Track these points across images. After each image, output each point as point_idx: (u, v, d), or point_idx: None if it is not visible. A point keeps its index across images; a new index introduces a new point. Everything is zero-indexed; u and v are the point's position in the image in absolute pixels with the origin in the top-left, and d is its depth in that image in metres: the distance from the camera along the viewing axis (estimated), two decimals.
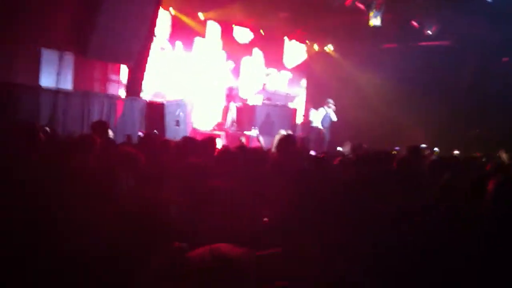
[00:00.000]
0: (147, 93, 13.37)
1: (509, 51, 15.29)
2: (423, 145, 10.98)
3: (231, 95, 15.67)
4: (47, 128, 7.58)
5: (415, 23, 14.36)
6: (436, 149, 13.51)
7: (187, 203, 2.94)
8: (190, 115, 13.48)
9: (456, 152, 11.83)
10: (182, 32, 15.24)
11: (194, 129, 13.98)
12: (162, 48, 14.58)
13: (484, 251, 2.93)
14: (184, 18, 15.18)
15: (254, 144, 12.47)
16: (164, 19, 14.24)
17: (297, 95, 18.30)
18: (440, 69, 15.69)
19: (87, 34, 10.61)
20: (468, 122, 15.68)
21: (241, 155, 4.65)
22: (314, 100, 17.80)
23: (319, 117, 16.01)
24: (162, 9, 13.52)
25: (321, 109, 16.04)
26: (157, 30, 12.76)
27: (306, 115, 16.87)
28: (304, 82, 19.29)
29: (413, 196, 4.07)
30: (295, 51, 18.45)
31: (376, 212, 3.15)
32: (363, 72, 17.30)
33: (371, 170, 4.96)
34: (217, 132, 14.34)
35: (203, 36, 15.88)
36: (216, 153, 5.06)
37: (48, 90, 10.59)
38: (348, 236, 2.86)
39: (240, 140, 12.30)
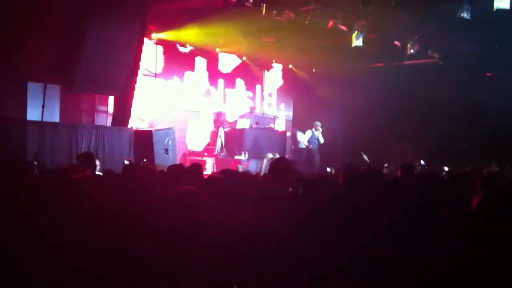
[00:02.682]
0: (137, 122, 13.41)
1: (492, 66, 15.51)
2: (419, 162, 11.01)
3: (218, 120, 15.70)
4: (35, 163, 7.50)
5: (397, 43, 14.53)
6: (422, 162, 13.54)
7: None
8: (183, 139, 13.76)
9: (446, 168, 11.84)
10: (170, 62, 15.25)
11: (187, 151, 14.43)
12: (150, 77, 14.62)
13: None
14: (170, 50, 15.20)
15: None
16: (150, 49, 14.26)
17: (279, 117, 18.30)
18: (426, 86, 15.86)
19: (72, 67, 10.59)
20: (456, 137, 15.80)
21: (227, 181, 4.53)
22: (300, 122, 17.87)
23: (305, 138, 16.05)
24: (148, 39, 13.58)
25: (308, 131, 16.07)
26: (144, 60, 12.76)
27: (292, 137, 16.87)
28: (286, 105, 19.24)
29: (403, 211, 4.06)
30: (277, 75, 18.58)
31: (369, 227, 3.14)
32: (349, 92, 17.42)
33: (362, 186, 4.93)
34: (207, 158, 14.35)
35: (192, 67, 15.91)
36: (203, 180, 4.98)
37: (34, 123, 10.55)
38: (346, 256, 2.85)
39: (237, 168, 12.26)
